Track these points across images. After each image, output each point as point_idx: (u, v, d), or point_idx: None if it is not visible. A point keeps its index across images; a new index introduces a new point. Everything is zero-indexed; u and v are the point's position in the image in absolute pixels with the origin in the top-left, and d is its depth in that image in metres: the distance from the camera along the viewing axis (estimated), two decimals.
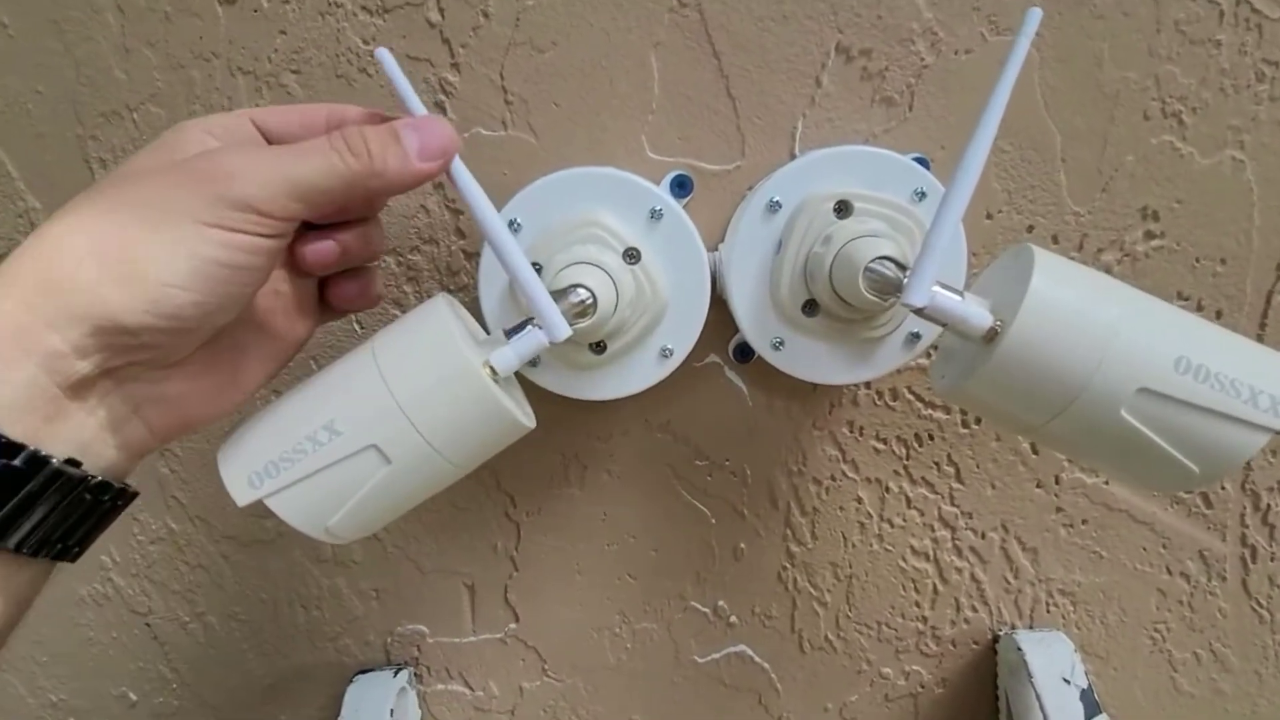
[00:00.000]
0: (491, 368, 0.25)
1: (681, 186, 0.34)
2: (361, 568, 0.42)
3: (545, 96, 0.34)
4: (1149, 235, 0.35)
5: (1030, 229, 0.35)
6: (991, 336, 0.24)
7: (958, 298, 0.24)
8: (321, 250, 0.25)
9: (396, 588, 0.42)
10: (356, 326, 0.38)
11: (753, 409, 0.38)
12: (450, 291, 0.37)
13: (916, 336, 0.32)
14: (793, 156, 0.35)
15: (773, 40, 0.33)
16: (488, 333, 0.31)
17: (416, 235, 0.37)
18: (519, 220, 0.31)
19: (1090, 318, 0.23)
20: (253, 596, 0.43)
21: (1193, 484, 0.24)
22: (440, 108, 0.35)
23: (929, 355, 0.36)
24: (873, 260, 0.26)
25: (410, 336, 0.25)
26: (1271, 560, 0.39)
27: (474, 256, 0.37)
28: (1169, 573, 0.40)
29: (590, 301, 0.27)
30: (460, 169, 0.24)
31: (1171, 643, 0.41)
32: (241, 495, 0.24)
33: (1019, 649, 0.38)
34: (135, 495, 0.23)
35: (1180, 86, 0.33)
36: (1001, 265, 0.27)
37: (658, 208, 0.31)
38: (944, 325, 0.25)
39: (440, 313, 0.25)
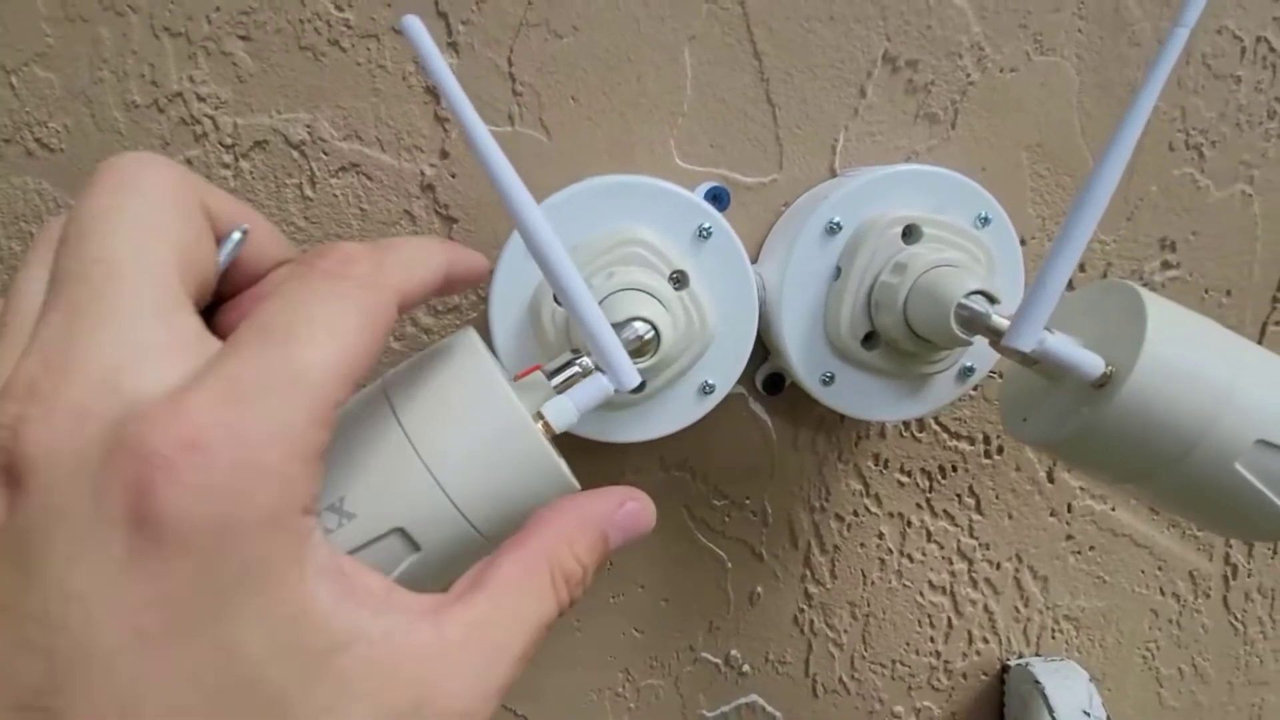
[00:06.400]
0: (547, 423, 0.20)
1: (717, 199, 0.30)
2: None
3: (561, 90, 0.29)
4: (1166, 265, 0.35)
5: None
6: (1103, 383, 0.22)
7: (1068, 341, 0.22)
8: None
9: None
10: None
11: (777, 443, 0.35)
12: (438, 314, 0.32)
13: (970, 371, 0.30)
14: (832, 172, 0.32)
15: (818, 43, 0.30)
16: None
17: None
18: None
19: (1207, 366, 0.22)
20: None
21: None
22: (431, 93, 0.29)
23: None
24: (966, 295, 0.24)
25: (442, 384, 0.20)
26: (1249, 576, 0.41)
27: None
28: (1162, 593, 0.41)
29: (651, 336, 0.23)
30: (502, 164, 0.19)
31: (1160, 660, 0.42)
32: None
33: (1036, 681, 0.38)
34: None
35: (1203, 120, 0.33)
36: (1088, 300, 0.25)
37: (706, 225, 0.27)
38: (1029, 366, 0.23)
39: (477, 353, 0.20)
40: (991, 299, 0.24)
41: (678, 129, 0.30)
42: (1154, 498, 0.24)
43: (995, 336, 0.23)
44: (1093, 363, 0.22)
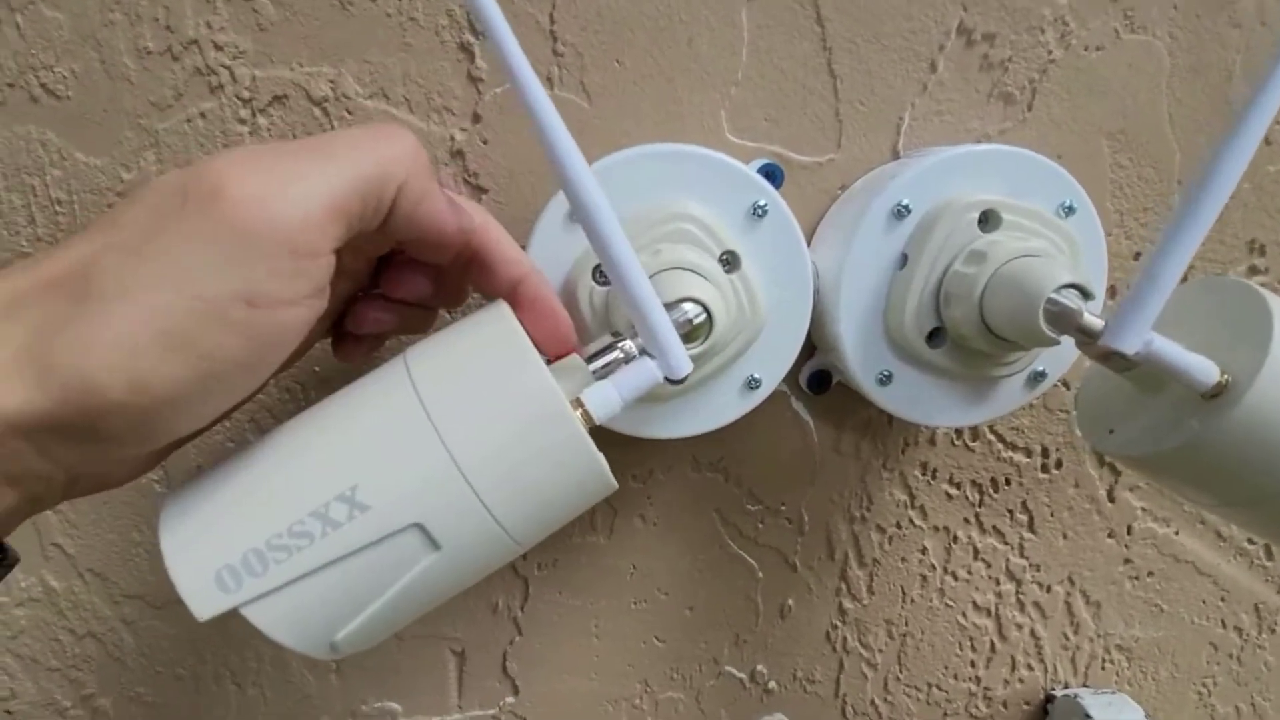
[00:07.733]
0: (586, 411, 0.18)
1: (770, 178, 0.28)
2: None
3: (606, 51, 0.27)
4: (1253, 270, 0.32)
5: (1137, 256, 0.32)
6: (1216, 393, 0.19)
7: (1177, 344, 0.19)
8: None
9: (363, 657, 0.34)
10: None
11: (818, 446, 0.33)
12: None
13: (1041, 376, 0.27)
14: (895, 153, 0.29)
15: (888, 9, 0.28)
16: None
17: None
18: None
19: None
20: (165, 672, 0.33)
21: None
22: (466, 51, 0.27)
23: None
24: (1057, 289, 0.21)
25: (470, 361, 0.18)
26: None
27: None
28: (1223, 626, 0.38)
29: (703, 320, 0.21)
30: (551, 115, 0.17)
31: (1216, 697, 0.39)
32: (206, 603, 0.15)
33: (1086, 715, 0.35)
34: (15, 561, 0.17)
35: None
36: (1186, 301, 0.22)
37: (761, 203, 0.24)
38: (1122, 371, 0.20)
39: (510, 328, 0.18)
40: (1086, 294, 0.21)
41: (730, 99, 0.28)
42: (1266, 525, 0.21)
43: (1086, 337, 0.21)
44: (1206, 369, 0.19)
